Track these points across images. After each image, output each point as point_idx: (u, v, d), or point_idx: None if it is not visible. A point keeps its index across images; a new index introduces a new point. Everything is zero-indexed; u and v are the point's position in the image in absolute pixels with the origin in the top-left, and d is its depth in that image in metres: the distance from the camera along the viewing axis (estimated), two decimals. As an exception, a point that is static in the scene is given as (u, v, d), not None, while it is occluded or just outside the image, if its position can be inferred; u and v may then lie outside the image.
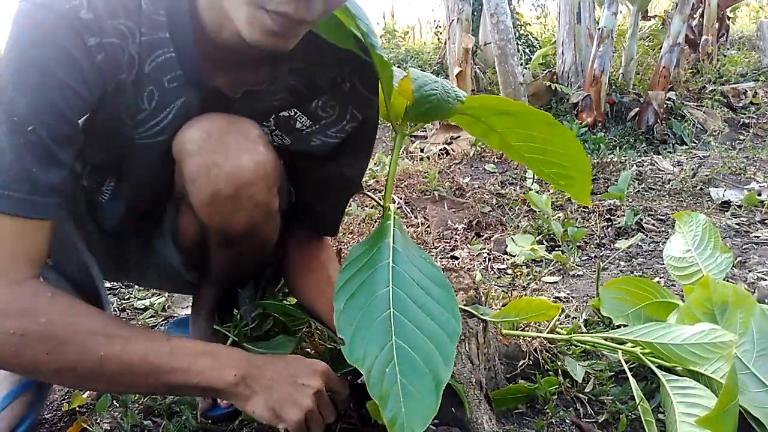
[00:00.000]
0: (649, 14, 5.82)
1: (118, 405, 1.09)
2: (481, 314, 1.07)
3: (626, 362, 1.10)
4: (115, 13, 0.70)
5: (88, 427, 1.06)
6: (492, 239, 2.14)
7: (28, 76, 0.65)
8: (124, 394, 0.99)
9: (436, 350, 0.71)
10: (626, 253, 1.97)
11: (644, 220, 2.24)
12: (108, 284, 1.64)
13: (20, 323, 0.65)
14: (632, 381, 1.03)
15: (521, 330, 1.25)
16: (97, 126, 0.77)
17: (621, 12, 6.14)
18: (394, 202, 2.49)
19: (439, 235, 2.19)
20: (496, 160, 3.27)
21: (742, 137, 3.98)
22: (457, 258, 1.97)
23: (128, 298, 1.65)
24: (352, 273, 0.79)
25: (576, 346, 1.24)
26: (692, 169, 2.88)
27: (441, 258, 1.98)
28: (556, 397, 1.11)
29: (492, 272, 1.85)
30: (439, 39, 7.81)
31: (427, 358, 0.70)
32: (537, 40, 7.21)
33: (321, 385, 0.78)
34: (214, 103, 0.80)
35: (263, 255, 0.97)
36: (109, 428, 1.09)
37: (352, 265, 0.80)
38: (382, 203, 0.93)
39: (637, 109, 3.89)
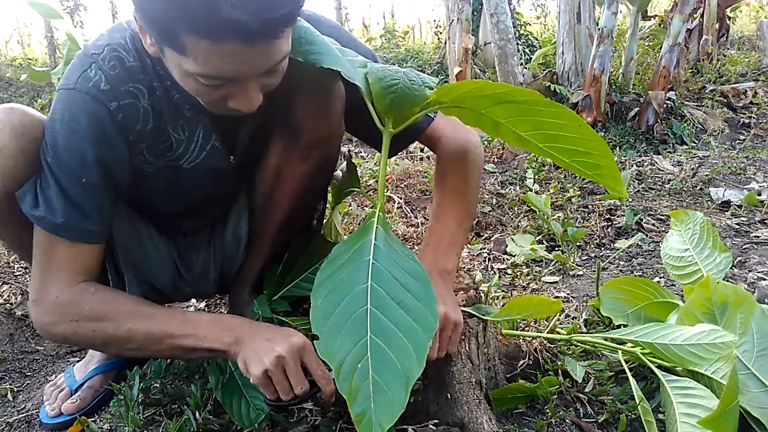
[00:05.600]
0: (649, 14, 5.82)
1: (120, 403, 1.09)
2: (482, 314, 1.07)
3: (626, 362, 1.10)
4: (125, 80, 0.91)
5: (87, 427, 1.06)
6: (492, 239, 2.14)
7: (72, 141, 0.88)
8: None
9: (410, 347, 0.70)
10: (626, 253, 1.97)
11: (644, 220, 2.24)
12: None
13: (74, 310, 0.91)
14: (632, 381, 1.03)
15: (521, 330, 1.25)
16: (151, 172, 1.00)
17: (621, 12, 6.14)
18: (394, 202, 2.48)
19: (439, 235, 2.19)
20: (495, 160, 3.27)
21: (742, 137, 3.98)
22: (457, 258, 1.97)
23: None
24: (332, 270, 0.79)
25: (576, 346, 1.24)
26: (692, 169, 2.88)
27: (441, 258, 1.98)
28: (556, 397, 1.11)
29: (492, 272, 1.85)
30: (439, 39, 7.81)
31: (400, 354, 0.70)
32: (537, 40, 7.21)
33: (287, 351, 0.87)
34: (223, 119, 0.96)
35: (327, 176, 1.17)
36: (109, 428, 1.09)
37: (333, 262, 0.80)
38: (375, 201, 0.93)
39: (637, 109, 3.88)
